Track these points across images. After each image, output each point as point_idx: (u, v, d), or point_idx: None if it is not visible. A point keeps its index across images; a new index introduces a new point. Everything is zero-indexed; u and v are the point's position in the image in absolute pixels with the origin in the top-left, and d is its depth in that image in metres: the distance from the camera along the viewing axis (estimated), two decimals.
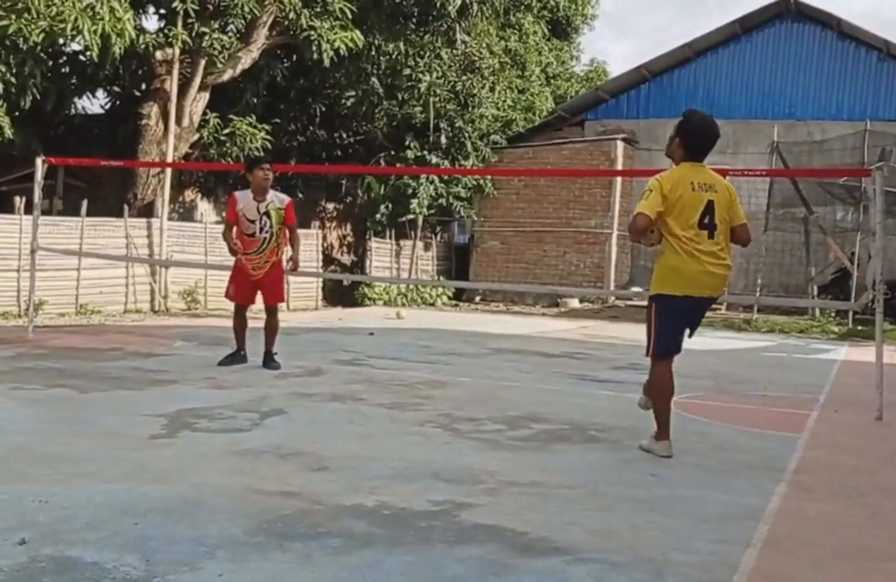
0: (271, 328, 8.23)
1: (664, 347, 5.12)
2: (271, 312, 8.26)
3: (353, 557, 3.19)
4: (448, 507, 3.87)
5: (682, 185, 4.93)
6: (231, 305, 8.62)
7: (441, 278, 22.13)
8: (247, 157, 10.46)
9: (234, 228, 8.00)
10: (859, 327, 16.04)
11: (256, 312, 8.74)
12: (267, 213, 7.88)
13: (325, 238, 20.91)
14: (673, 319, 5.07)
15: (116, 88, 17.08)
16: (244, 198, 7.94)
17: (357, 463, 4.62)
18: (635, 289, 20.16)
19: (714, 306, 19.07)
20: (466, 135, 20.15)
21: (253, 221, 7.87)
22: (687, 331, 5.18)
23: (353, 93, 19.12)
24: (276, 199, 8.01)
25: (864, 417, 6.89)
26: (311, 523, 3.54)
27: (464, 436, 5.52)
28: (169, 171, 15.76)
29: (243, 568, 3.03)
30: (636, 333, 14.71)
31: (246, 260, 8.01)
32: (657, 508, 4.04)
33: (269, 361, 8.15)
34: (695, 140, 5.08)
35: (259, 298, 8.36)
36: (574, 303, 20.57)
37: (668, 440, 5.12)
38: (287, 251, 8.24)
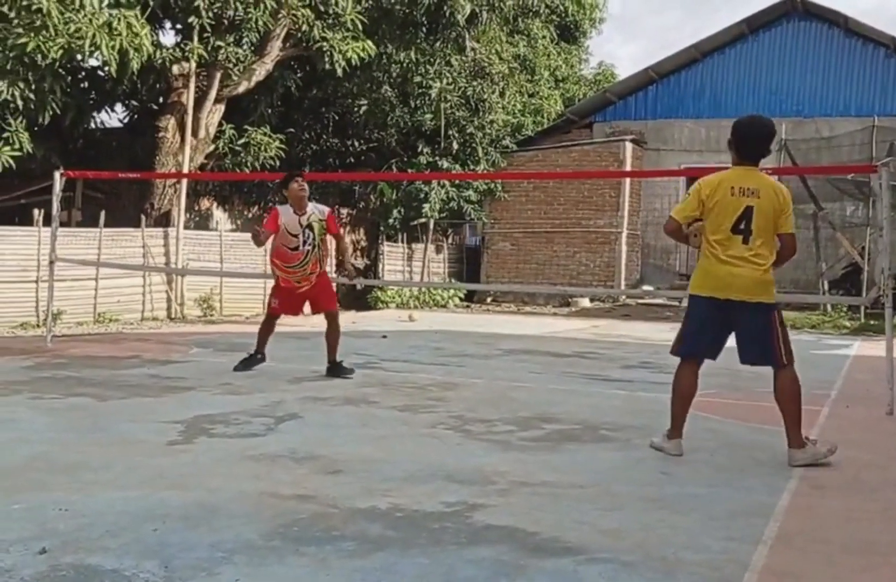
0: (334, 336, 8.10)
1: (686, 346, 5.17)
2: (331, 318, 8.11)
3: (367, 560, 3.24)
4: (460, 508, 3.92)
5: (721, 190, 4.95)
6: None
7: (452, 280, 22.19)
8: (283, 174, 10.26)
9: (273, 241, 7.94)
10: (871, 322, 15.96)
11: (287, 322, 8.78)
12: (309, 226, 7.81)
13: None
14: (698, 319, 5.10)
15: (134, 102, 17.30)
16: (286, 213, 7.86)
17: (370, 466, 4.68)
18: (646, 287, 20.16)
19: None
20: (477, 140, 20.22)
21: (296, 235, 7.79)
22: (733, 339, 5.08)
23: (366, 101, 19.24)
24: (317, 211, 7.95)
25: (876, 412, 6.89)
26: (326, 527, 3.60)
27: (475, 437, 5.57)
28: (185, 181, 15.92)
29: (260, 572, 3.09)
30: (647, 332, 14.72)
31: (289, 274, 7.94)
32: (668, 506, 4.07)
33: (338, 369, 8.03)
34: (742, 142, 5.08)
35: (307, 307, 8.36)
36: (585, 302, 20.57)
37: (678, 439, 5.14)
38: (331, 260, 8.27)
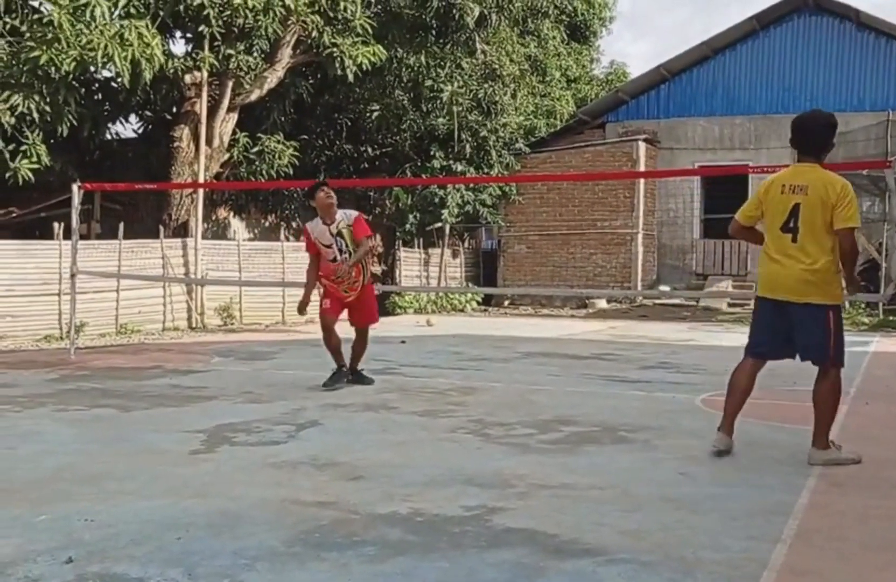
0: (361, 346, 8.05)
1: (749, 343, 5.21)
2: (361, 333, 8.05)
3: (387, 564, 3.28)
4: (480, 512, 3.95)
5: (773, 189, 4.97)
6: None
7: (469, 284, 22.22)
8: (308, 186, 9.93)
9: (319, 260, 7.82)
10: (890, 318, 15.84)
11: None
12: (339, 234, 7.69)
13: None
14: (758, 318, 5.16)
15: (148, 113, 17.46)
16: (315, 226, 7.78)
17: (391, 471, 4.73)
18: (663, 288, 20.10)
19: (742, 302, 19.06)
20: (490, 143, 20.24)
21: (329, 246, 7.68)
22: (782, 352, 5.10)
23: (378, 106, 19.32)
24: (345, 218, 7.78)
25: (895, 408, 6.86)
26: (347, 532, 3.64)
27: (495, 441, 5.60)
28: (201, 190, 16.05)
29: (282, 579, 3.14)
30: (665, 332, 14.69)
31: (335, 284, 7.76)
32: (687, 506, 4.08)
33: (358, 377, 8.01)
34: (799, 138, 5.07)
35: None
36: (602, 304, 20.54)
37: (724, 434, 5.14)
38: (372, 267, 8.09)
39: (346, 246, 7.71)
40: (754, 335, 5.17)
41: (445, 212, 19.62)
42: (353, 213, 7.96)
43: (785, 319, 4.96)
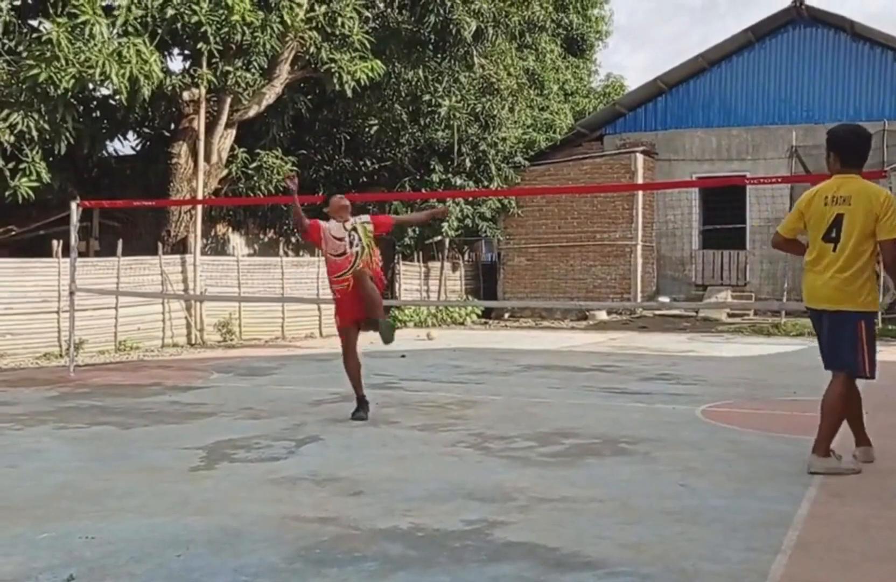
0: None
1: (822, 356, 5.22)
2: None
3: (388, 580, 3.28)
4: (481, 526, 3.95)
5: (816, 201, 5.02)
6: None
7: (469, 298, 22.22)
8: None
9: (321, 244, 7.59)
10: (889, 327, 15.84)
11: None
12: (354, 229, 7.50)
13: None
14: (816, 330, 5.20)
15: (146, 130, 17.49)
16: (328, 223, 7.61)
17: (391, 486, 4.73)
18: (662, 299, 20.11)
19: (741, 312, 19.03)
20: (490, 157, 20.30)
21: (341, 239, 7.45)
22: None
23: (377, 121, 19.37)
24: (359, 218, 7.65)
25: (895, 419, 6.85)
26: (348, 548, 3.64)
27: (495, 454, 5.60)
28: (200, 207, 16.07)
29: None
30: (665, 343, 14.70)
31: (342, 283, 7.48)
32: (687, 518, 4.09)
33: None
34: (844, 150, 5.11)
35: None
36: (602, 315, 20.55)
37: (867, 446, 5.24)
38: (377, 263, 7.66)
39: (361, 240, 7.44)
40: (820, 345, 5.20)
41: (445, 225, 19.65)
42: (366, 215, 7.86)
43: (821, 329, 5.06)
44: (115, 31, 13.12)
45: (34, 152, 13.25)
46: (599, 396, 8.54)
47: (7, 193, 13.24)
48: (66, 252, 12.13)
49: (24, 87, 12.46)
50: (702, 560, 3.48)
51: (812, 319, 5.19)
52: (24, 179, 13.19)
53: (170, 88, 14.58)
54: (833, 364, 5.03)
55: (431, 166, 20.16)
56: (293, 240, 19.86)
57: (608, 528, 3.93)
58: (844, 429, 6.26)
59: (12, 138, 12.74)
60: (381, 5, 18.28)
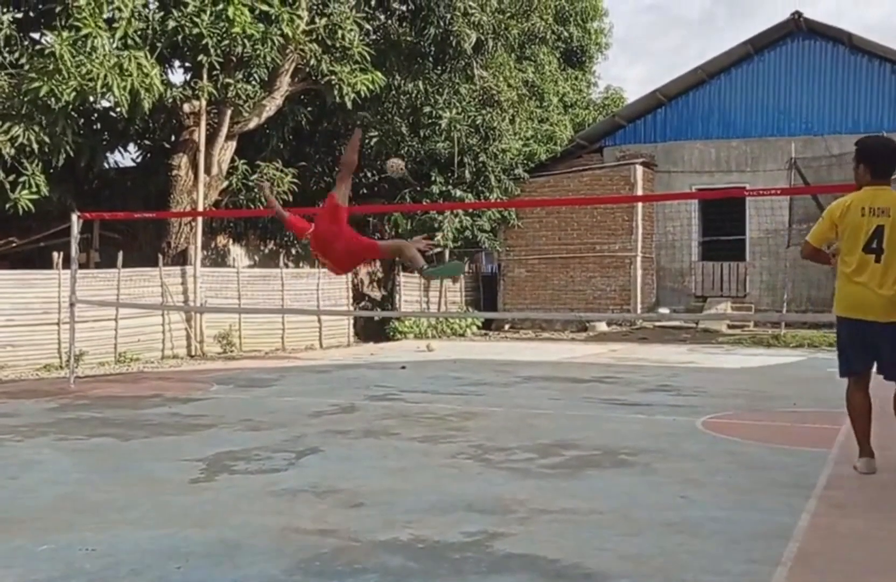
0: None
1: (843, 365, 5.24)
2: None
3: None
4: (481, 537, 3.95)
5: (853, 212, 5.03)
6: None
7: (470, 309, 22.22)
8: None
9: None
10: None
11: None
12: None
13: (355, 275, 21.14)
14: (846, 338, 5.18)
15: (147, 141, 17.54)
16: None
17: (392, 497, 4.72)
18: (662, 310, 20.11)
19: (741, 323, 19.05)
20: (490, 168, 20.34)
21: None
22: (875, 365, 5.16)
23: (377, 132, 19.42)
24: None
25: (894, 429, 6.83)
26: (348, 560, 3.64)
27: (495, 466, 5.60)
28: (200, 218, 16.10)
29: None
30: (665, 355, 14.69)
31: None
32: (688, 530, 4.08)
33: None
34: (875, 161, 5.13)
35: None
36: (602, 327, 20.55)
37: (868, 457, 5.18)
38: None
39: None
40: (847, 356, 5.20)
41: (439, 236, 19.65)
42: None
43: (870, 337, 5.05)
44: (115, 43, 13.15)
45: (34, 165, 13.28)
46: (600, 407, 8.53)
47: (7, 206, 13.26)
48: (66, 264, 12.14)
49: (25, 99, 12.50)
50: (702, 572, 3.48)
51: (852, 330, 5.12)
52: (24, 192, 13.22)
53: (170, 101, 14.63)
54: (890, 375, 5.09)
55: (432, 178, 20.20)
56: (293, 251, 19.88)
57: (609, 540, 3.92)
58: (841, 439, 6.26)
59: (13, 151, 12.77)
60: (382, 17, 18.37)
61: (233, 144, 16.69)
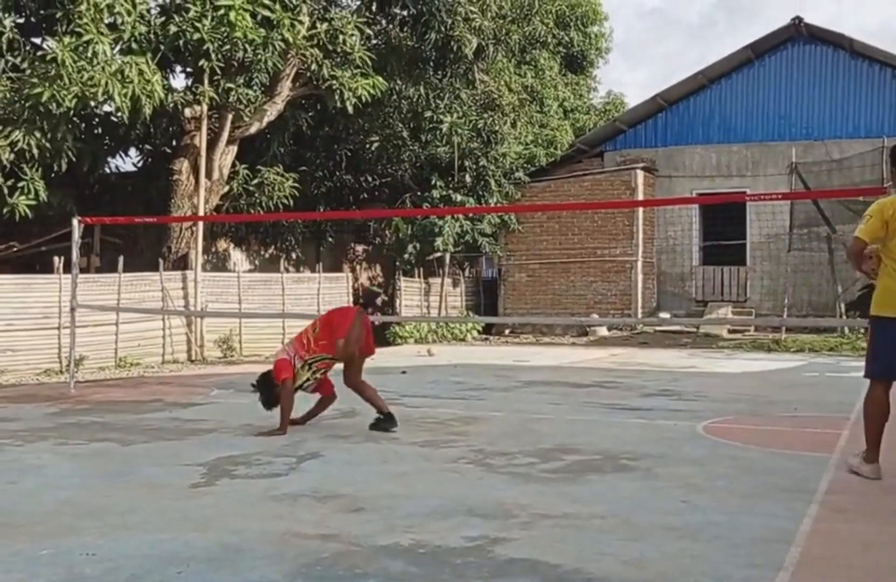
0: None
1: (878, 367, 5.16)
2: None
3: None
4: (482, 542, 3.94)
5: None
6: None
7: (470, 314, 22.22)
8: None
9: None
10: None
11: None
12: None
13: (355, 279, 21.16)
14: (885, 339, 5.09)
15: (148, 146, 17.56)
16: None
17: (393, 502, 4.72)
18: (663, 315, 20.11)
19: (742, 328, 19.04)
20: (490, 173, 20.35)
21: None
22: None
23: (378, 137, 19.45)
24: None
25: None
26: (349, 565, 3.63)
27: (496, 471, 5.59)
28: (201, 223, 16.11)
29: None
30: (666, 359, 14.68)
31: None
32: (689, 535, 4.07)
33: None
34: None
35: None
36: (603, 331, 20.55)
37: (876, 463, 5.13)
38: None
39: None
40: (885, 357, 5.11)
41: (439, 240, 19.67)
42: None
43: None
44: (117, 49, 13.17)
45: (33, 170, 13.29)
46: (601, 412, 8.53)
47: (5, 210, 13.27)
48: (67, 268, 12.14)
49: (26, 104, 12.51)
50: (703, 577, 3.47)
51: (892, 329, 5.04)
52: (23, 197, 13.23)
53: (171, 106, 14.65)
54: None
55: (432, 182, 20.22)
56: (294, 256, 19.90)
57: (610, 544, 3.92)
58: (841, 444, 6.25)
59: (12, 156, 12.78)
60: (383, 23, 18.39)
61: (234, 149, 16.71)
